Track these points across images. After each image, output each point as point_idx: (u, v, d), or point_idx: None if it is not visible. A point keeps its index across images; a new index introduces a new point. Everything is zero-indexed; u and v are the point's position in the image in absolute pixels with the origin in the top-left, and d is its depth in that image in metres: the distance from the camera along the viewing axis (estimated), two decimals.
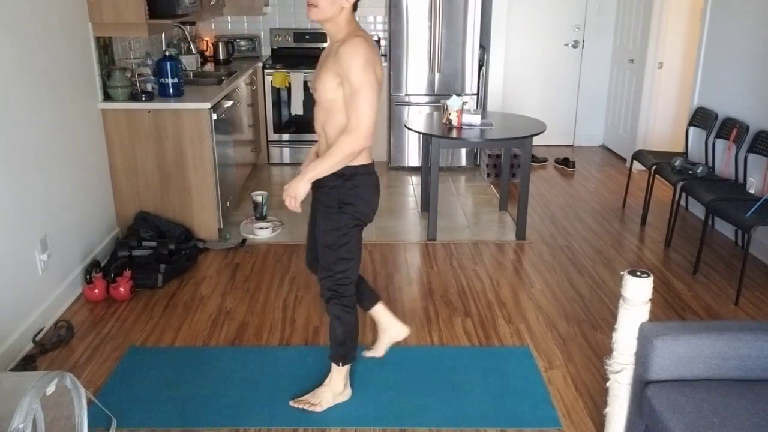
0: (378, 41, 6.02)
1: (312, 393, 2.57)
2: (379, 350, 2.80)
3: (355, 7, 2.24)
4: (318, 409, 2.51)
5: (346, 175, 2.31)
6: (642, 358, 2.01)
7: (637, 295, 2.04)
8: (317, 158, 2.32)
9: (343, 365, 2.53)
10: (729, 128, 4.19)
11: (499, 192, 4.98)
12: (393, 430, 2.41)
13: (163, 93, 3.94)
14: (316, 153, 2.49)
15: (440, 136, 3.98)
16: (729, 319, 3.23)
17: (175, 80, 3.93)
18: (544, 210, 4.81)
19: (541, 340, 3.04)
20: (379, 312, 2.71)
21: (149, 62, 4.33)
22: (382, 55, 5.98)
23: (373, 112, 2.17)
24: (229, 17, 6.09)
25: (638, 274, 2.03)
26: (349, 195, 2.33)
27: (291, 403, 2.55)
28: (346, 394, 2.58)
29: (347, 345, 2.50)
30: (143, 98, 3.81)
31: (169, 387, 2.65)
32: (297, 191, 2.28)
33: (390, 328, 2.74)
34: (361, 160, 2.33)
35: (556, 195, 5.16)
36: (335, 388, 2.55)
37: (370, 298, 2.70)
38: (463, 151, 5.82)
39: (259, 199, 4.39)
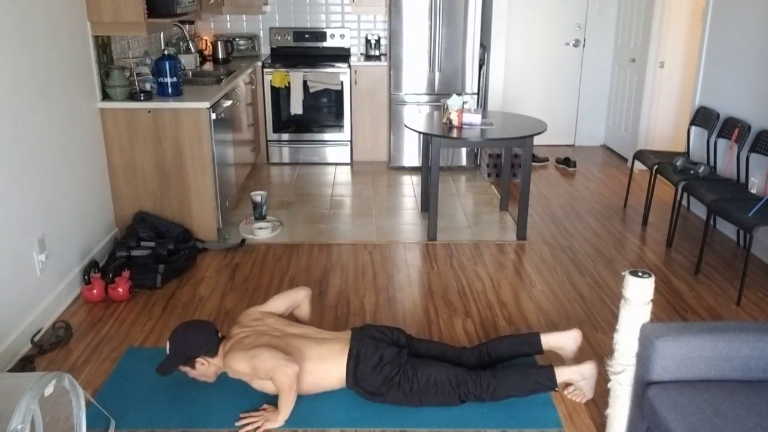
0: (378, 40, 6.01)
1: (578, 390, 2.59)
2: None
3: (216, 351, 2.56)
4: (590, 395, 2.57)
5: (351, 374, 2.51)
6: (643, 358, 2.00)
7: (638, 296, 2.03)
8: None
9: (556, 388, 2.53)
10: (731, 128, 4.18)
11: (500, 192, 4.96)
12: (393, 430, 2.40)
13: (161, 92, 3.92)
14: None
15: (440, 135, 3.97)
16: (731, 320, 3.21)
17: (174, 79, 3.92)
18: (545, 210, 4.79)
19: None
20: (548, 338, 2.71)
21: (148, 61, 4.32)
22: (383, 55, 5.98)
23: (271, 361, 2.38)
24: (228, 16, 6.08)
25: (639, 274, 2.02)
26: (368, 380, 2.49)
27: (569, 395, 2.61)
28: (588, 370, 2.53)
29: (533, 387, 2.50)
30: (142, 98, 3.80)
31: (167, 388, 2.63)
32: (275, 423, 2.42)
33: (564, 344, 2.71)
34: (342, 361, 2.51)
35: (557, 195, 5.15)
36: (574, 380, 2.55)
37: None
38: (464, 150, 5.81)
39: (258, 199, 4.38)
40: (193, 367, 2.54)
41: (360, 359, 2.49)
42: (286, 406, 2.42)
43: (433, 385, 2.46)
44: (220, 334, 2.61)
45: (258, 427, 2.39)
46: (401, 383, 2.46)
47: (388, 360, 2.48)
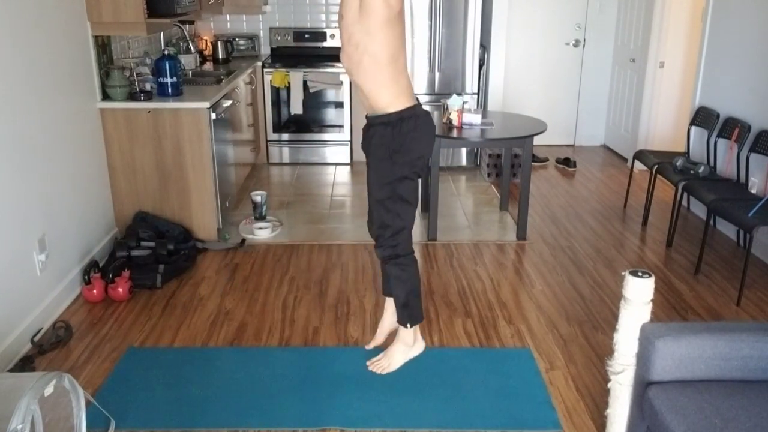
0: None
1: (384, 354, 2.60)
2: (378, 339, 2.80)
3: None
4: (390, 369, 2.55)
5: (393, 122, 2.31)
6: (643, 358, 2.00)
7: (638, 296, 2.03)
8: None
9: (410, 326, 2.53)
10: (731, 128, 4.18)
11: (500, 192, 4.96)
12: (393, 430, 2.40)
13: (161, 92, 3.92)
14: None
15: (440, 135, 3.97)
16: (731, 320, 3.21)
17: (174, 79, 3.91)
18: (545, 210, 4.79)
19: (541, 340, 3.02)
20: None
21: (148, 61, 4.32)
22: None
23: None
24: (228, 16, 6.08)
25: (639, 274, 2.02)
26: (398, 143, 2.32)
27: (368, 363, 2.61)
28: (418, 348, 2.59)
29: (411, 305, 2.50)
30: (142, 98, 3.80)
31: (167, 388, 2.64)
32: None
33: (391, 318, 2.72)
34: (403, 104, 2.31)
35: (557, 195, 5.15)
36: (405, 341, 2.55)
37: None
38: (464, 150, 5.81)
39: (258, 199, 4.38)
40: None
41: (414, 118, 2.33)
42: None
43: (398, 215, 2.42)
44: None
45: None
46: (401, 183, 2.36)
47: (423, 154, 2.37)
